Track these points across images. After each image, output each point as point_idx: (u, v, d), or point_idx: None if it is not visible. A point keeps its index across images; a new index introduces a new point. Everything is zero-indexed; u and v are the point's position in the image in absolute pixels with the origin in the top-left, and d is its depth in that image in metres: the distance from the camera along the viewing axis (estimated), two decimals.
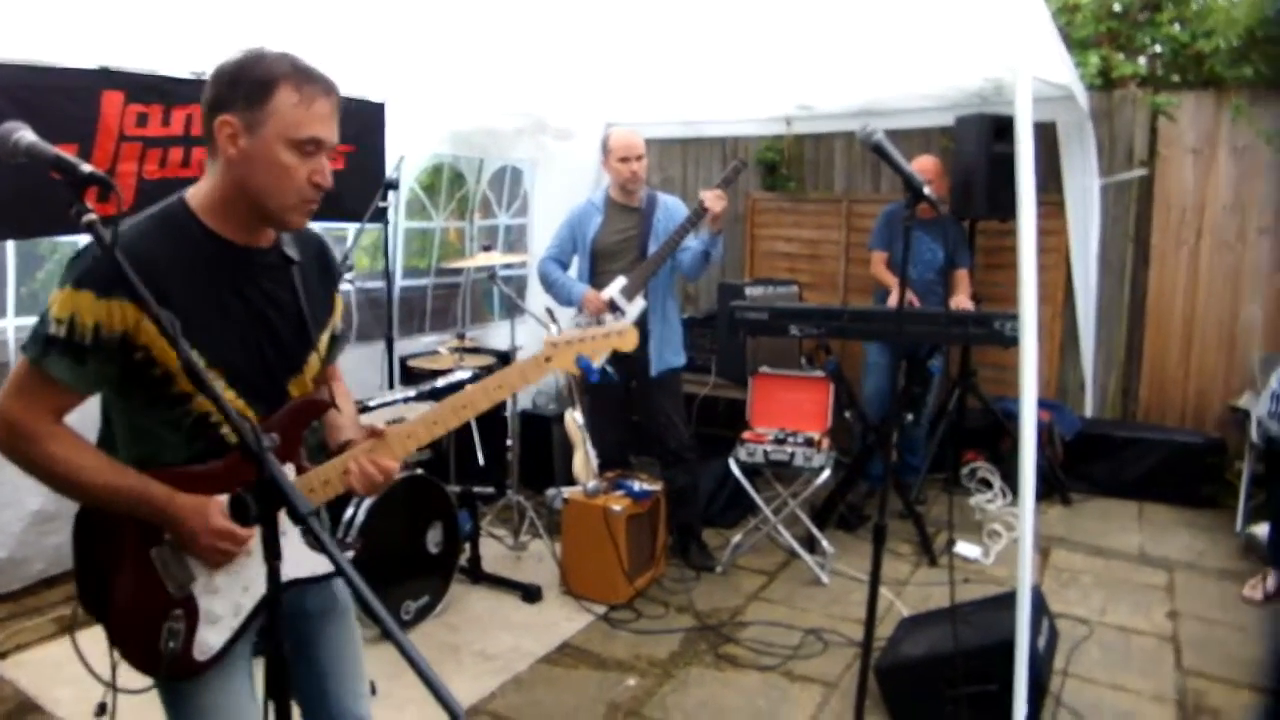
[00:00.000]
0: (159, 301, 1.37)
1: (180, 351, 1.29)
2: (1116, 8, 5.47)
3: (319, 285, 1.74)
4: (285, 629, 1.42)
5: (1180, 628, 3.64)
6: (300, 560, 1.64)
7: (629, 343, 1.87)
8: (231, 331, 1.57)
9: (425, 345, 5.33)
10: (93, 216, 1.36)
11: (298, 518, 1.23)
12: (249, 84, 1.49)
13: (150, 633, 1.54)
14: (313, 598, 1.76)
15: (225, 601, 1.60)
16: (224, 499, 1.54)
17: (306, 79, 1.52)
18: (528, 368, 1.79)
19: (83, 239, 1.41)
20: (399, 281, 5.44)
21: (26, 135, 1.39)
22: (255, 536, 1.53)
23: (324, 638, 1.81)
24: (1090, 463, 5.19)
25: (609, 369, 3.99)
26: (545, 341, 1.81)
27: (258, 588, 1.61)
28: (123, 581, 1.55)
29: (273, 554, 1.52)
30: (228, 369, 1.56)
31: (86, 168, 1.37)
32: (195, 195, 1.57)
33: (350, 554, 1.72)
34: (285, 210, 1.55)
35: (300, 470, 1.67)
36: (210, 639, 1.58)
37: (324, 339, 1.75)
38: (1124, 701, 3.11)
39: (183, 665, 1.56)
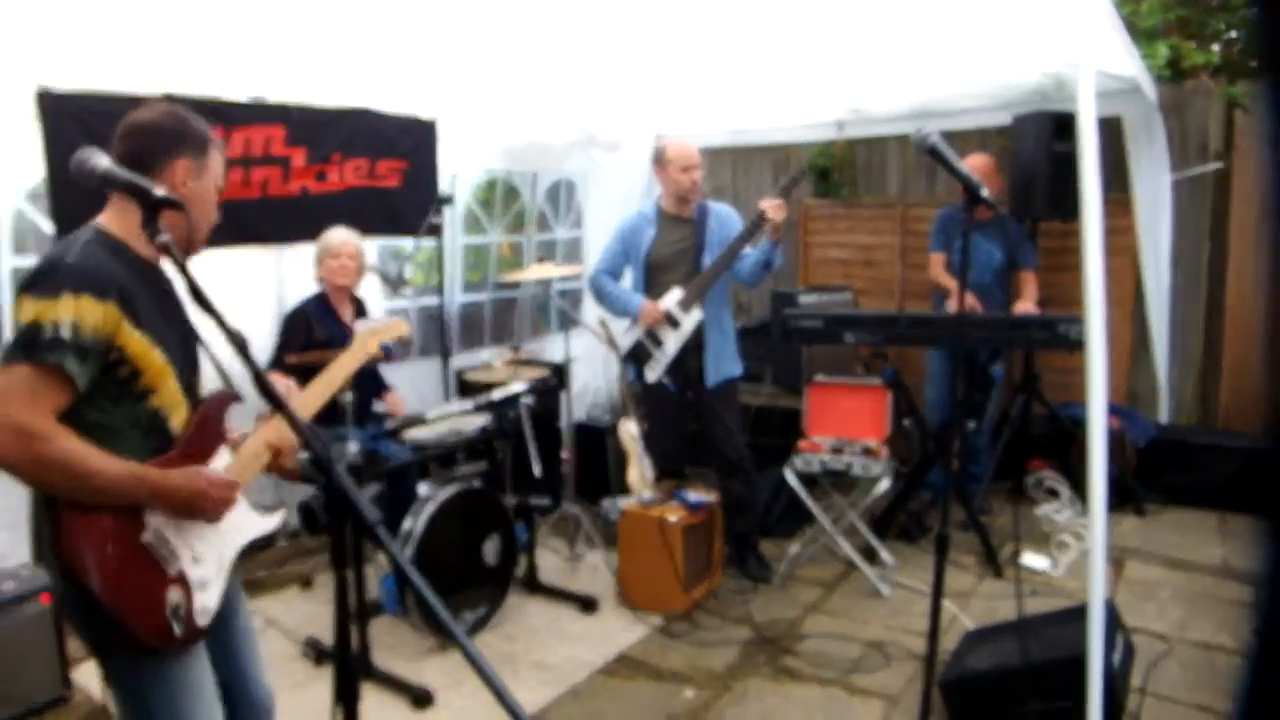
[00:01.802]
0: (129, 306, 1.66)
1: (252, 366, 1.48)
2: None
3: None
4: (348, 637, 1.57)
5: None
6: (252, 523, 1.93)
7: (404, 329, 2.40)
8: (172, 335, 1.79)
9: (484, 359, 5.38)
10: (166, 238, 1.57)
11: (364, 526, 1.33)
12: (195, 138, 1.82)
13: (156, 612, 1.69)
14: (233, 587, 1.96)
15: (210, 566, 1.80)
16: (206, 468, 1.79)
17: (220, 141, 1.90)
18: (355, 353, 2.21)
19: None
20: (458, 297, 5.50)
21: (102, 161, 1.61)
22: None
23: (237, 624, 2.02)
24: (1166, 471, 4.98)
25: (666, 380, 4.02)
26: (357, 334, 2.24)
27: (230, 549, 1.86)
28: (116, 578, 1.66)
29: (340, 562, 1.59)
30: (177, 368, 1.78)
31: (159, 191, 1.60)
32: (117, 225, 1.76)
33: (277, 517, 2.01)
34: (205, 236, 1.88)
35: (235, 448, 1.89)
36: (207, 602, 1.79)
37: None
38: None
39: (190, 631, 1.75)
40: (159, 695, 1.75)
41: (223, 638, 1.94)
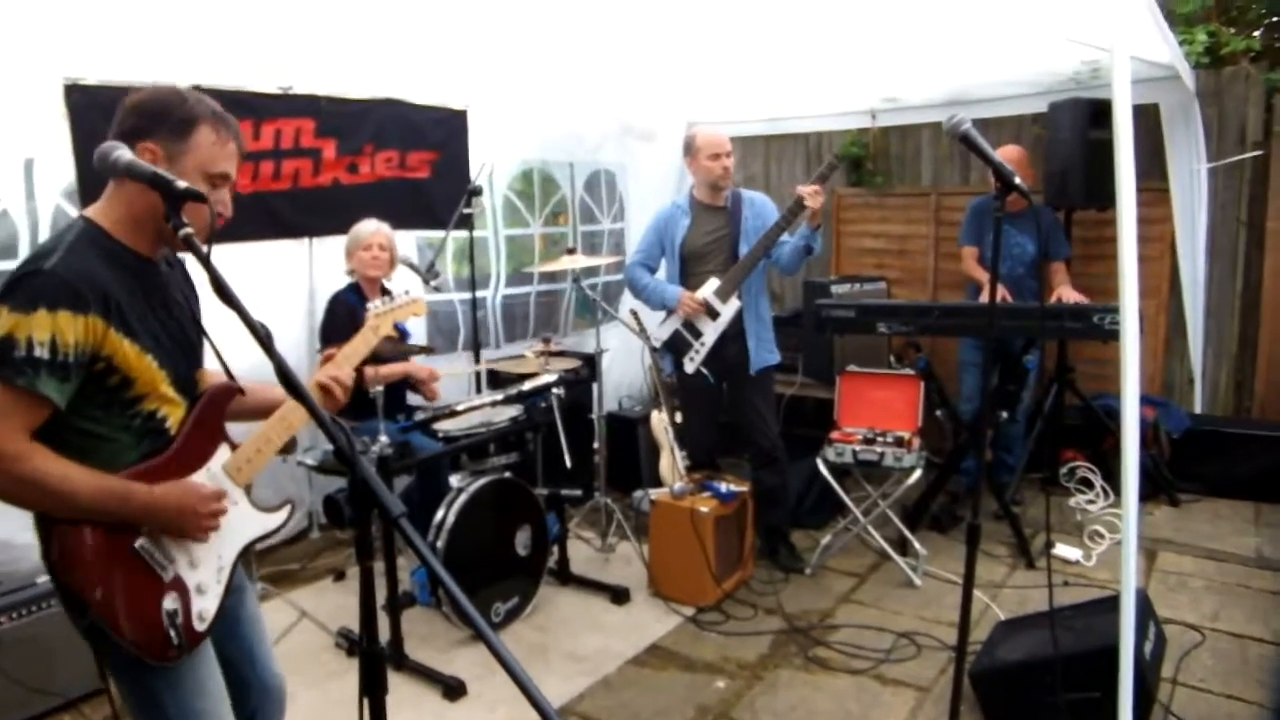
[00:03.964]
0: (116, 314, 1.58)
1: (276, 360, 1.40)
2: None
3: (186, 285, 1.90)
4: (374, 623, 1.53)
5: None
6: (255, 521, 1.85)
7: (420, 309, 2.24)
8: (165, 336, 1.71)
9: (518, 351, 5.37)
10: (189, 230, 1.50)
11: (389, 519, 1.29)
12: (174, 119, 1.65)
13: (151, 622, 1.65)
14: (238, 575, 1.90)
15: (207, 571, 1.75)
16: (194, 478, 1.72)
17: (223, 123, 1.71)
18: (367, 335, 2.08)
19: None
20: (501, 290, 5.50)
21: (125, 154, 1.55)
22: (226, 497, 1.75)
23: (245, 611, 1.98)
24: (1200, 462, 4.92)
25: (704, 371, 4.02)
26: (369, 315, 2.11)
27: (229, 551, 1.80)
28: (109, 587, 1.61)
29: (365, 554, 1.59)
30: (170, 370, 1.70)
31: (182, 184, 1.53)
32: (104, 216, 1.67)
33: (285, 513, 1.93)
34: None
35: (233, 447, 1.81)
36: (205, 606, 1.74)
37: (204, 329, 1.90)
38: (1241, 713, 2.93)
39: (189, 637, 1.70)
40: (166, 698, 1.71)
41: (232, 625, 1.91)
